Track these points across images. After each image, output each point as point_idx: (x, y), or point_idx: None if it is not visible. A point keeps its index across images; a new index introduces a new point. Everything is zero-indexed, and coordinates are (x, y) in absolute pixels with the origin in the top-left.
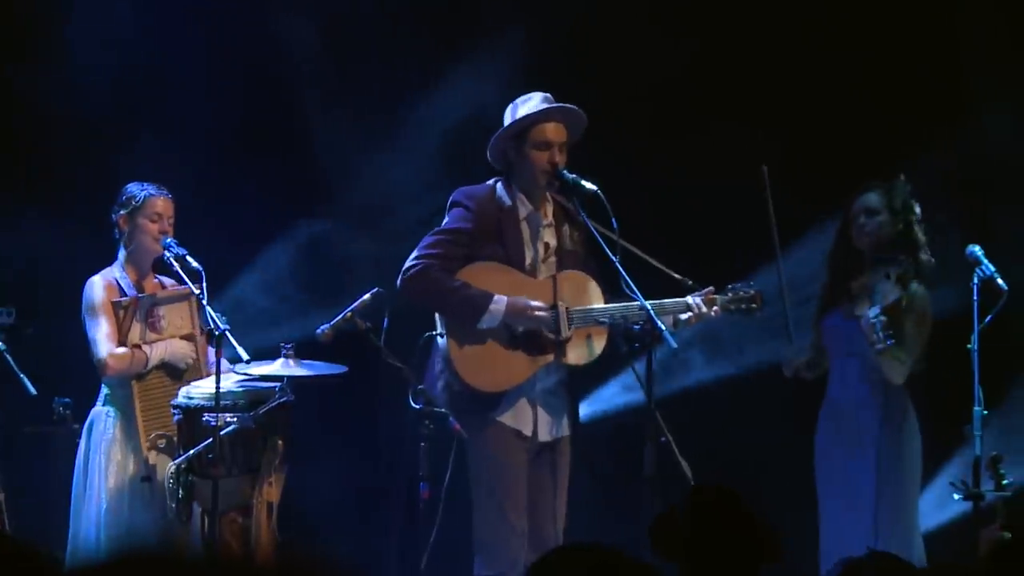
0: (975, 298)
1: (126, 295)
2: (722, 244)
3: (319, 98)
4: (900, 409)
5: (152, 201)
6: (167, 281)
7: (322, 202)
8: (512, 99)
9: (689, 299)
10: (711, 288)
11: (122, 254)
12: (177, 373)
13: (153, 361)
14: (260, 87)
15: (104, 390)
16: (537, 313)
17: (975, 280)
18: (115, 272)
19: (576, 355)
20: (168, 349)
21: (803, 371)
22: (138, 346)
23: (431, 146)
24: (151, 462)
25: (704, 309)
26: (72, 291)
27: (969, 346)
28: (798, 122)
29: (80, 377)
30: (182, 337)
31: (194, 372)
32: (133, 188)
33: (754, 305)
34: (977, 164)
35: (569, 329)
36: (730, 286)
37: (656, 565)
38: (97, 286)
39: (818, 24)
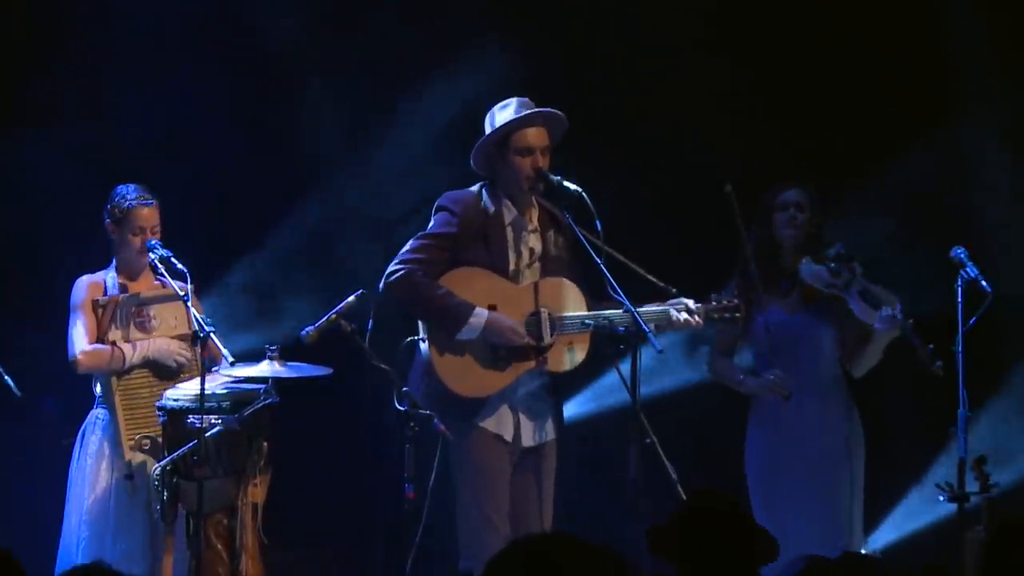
0: (959, 300)
1: (108, 295)
2: (707, 251)
3: (307, 99)
4: (851, 401)
5: (136, 212)
6: (171, 283)
7: (308, 203)
8: (500, 100)
9: (671, 308)
10: (692, 300)
11: (115, 258)
12: (166, 372)
13: (133, 359)
14: (248, 86)
15: (98, 391)
16: (515, 338)
17: (959, 282)
18: (107, 274)
19: (558, 362)
20: (153, 347)
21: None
22: (115, 343)
23: (418, 147)
24: (135, 460)
25: (687, 317)
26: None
27: (953, 348)
28: (781, 125)
29: (73, 378)
30: (176, 337)
31: (191, 371)
32: (121, 193)
33: (738, 314)
34: (962, 166)
35: (551, 336)
36: (713, 294)
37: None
38: (81, 285)
39: (799, 27)
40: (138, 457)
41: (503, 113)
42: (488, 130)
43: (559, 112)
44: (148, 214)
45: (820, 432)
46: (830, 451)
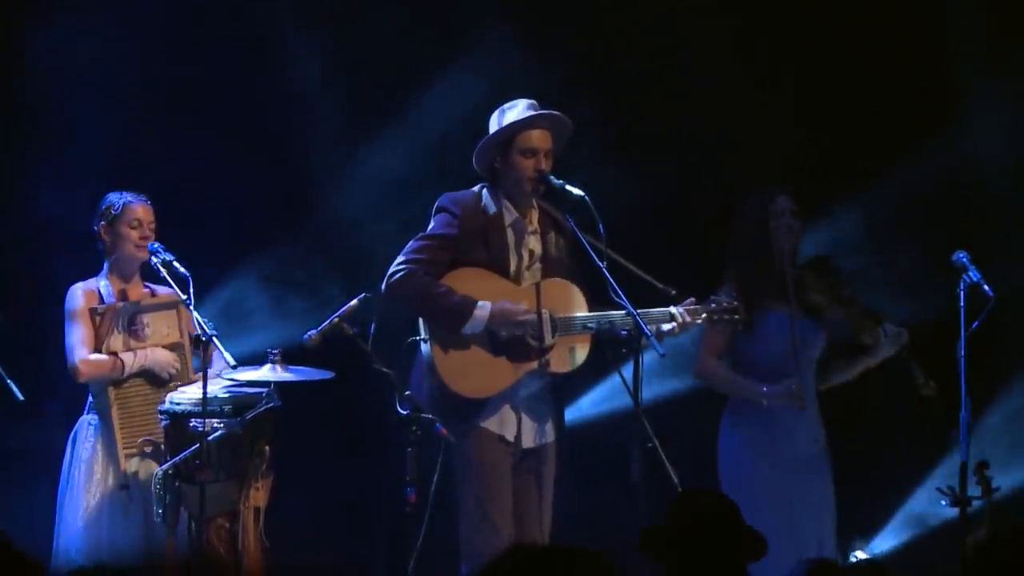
0: (961, 304)
1: (105, 303)
2: (707, 253)
3: (308, 102)
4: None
5: (131, 208)
6: (160, 290)
7: (308, 207)
8: (498, 104)
9: (672, 309)
10: (692, 299)
11: (106, 265)
12: (159, 381)
13: (130, 368)
14: (250, 92)
15: (90, 397)
16: (522, 317)
17: (961, 286)
18: (99, 281)
19: (559, 363)
20: (149, 357)
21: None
22: (115, 353)
23: (417, 150)
24: (129, 470)
25: (687, 319)
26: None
27: (956, 352)
28: (781, 126)
29: (74, 383)
30: (168, 345)
31: (180, 381)
32: (112, 197)
33: (737, 316)
34: (964, 169)
35: (553, 336)
36: (713, 297)
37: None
38: (76, 293)
39: (798, 28)
40: (132, 466)
41: (510, 113)
42: (493, 129)
43: (565, 116)
44: (143, 210)
45: (800, 440)
46: (808, 459)
